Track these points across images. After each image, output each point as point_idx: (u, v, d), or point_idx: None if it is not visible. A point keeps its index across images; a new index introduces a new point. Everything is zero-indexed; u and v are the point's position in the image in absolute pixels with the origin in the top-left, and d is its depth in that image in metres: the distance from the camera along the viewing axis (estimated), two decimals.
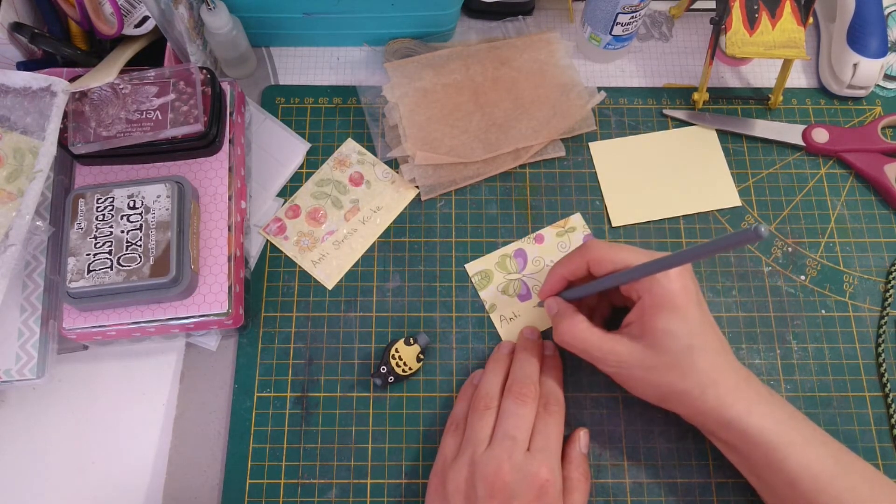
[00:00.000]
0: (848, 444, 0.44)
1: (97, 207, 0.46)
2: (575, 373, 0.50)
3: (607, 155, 0.57)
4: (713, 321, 0.44)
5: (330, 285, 0.53)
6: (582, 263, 0.45)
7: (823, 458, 0.40)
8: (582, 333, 0.44)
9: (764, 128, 0.57)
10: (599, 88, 0.58)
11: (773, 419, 0.41)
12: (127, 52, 0.50)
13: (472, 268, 0.53)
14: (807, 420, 0.42)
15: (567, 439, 0.46)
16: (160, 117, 0.48)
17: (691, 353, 0.41)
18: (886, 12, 0.59)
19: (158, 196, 0.46)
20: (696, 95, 0.57)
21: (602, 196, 0.55)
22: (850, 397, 0.50)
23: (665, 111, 0.58)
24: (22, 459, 0.49)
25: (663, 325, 0.41)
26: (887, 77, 0.59)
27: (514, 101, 0.57)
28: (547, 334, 0.51)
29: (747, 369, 0.43)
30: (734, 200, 0.55)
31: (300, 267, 0.53)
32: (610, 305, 0.50)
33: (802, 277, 0.53)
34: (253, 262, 0.53)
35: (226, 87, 0.52)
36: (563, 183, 0.56)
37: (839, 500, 0.39)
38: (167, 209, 0.46)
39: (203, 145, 0.49)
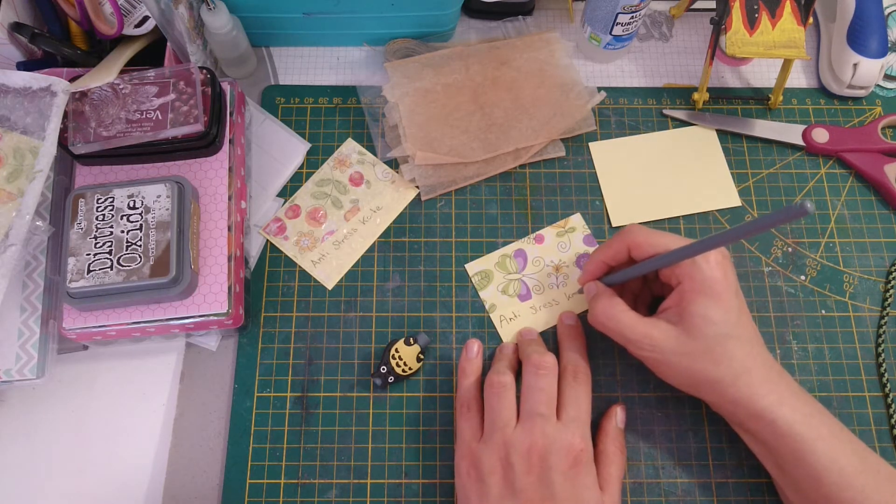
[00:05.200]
0: None
1: (97, 207, 0.46)
2: None
3: (607, 155, 0.57)
4: (748, 312, 0.44)
5: (330, 285, 0.53)
6: (622, 248, 0.46)
7: (850, 454, 0.40)
8: (618, 315, 0.44)
9: (764, 128, 0.57)
10: (599, 88, 0.58)
11: (803, 412, 0.41)
12: (127, 52, 0.51)
13: (472, 268, 0.53)
14: (833, 417, 0.42)
15: (604, 414, 0.48)
16: (160, 117, 0.48)
17: (727, 340, 0.41)
18: (886, 12, 0.59)
19: (158, 196, 0.46)
20: (696, 95, 0.57)
21: (602, 196, 0.55)
22: (850, 397, 0.50)
23: (665, 111, 0.58)
24: (22, 459, 0.48)
25: (702, 310, 0.42)
26: (887, 77, 0.59)
27: (514, 101, 0.57)
28: (545, 335, 0.51)
29: (778, 363, 0.43)
30: (734, 200, 0.55)
31: (300, 267, 0.53)
32: (651, 295, 0.50)
33: (802, 277, 0.53)
34: (253, 262, 0.53)
35: (226, 87, 0.52)
36: (563, 183, 0.56)
37: (863, 495, 0.39)
38: (167, 209, 0.46)
39: (203, 145, 0.49)
